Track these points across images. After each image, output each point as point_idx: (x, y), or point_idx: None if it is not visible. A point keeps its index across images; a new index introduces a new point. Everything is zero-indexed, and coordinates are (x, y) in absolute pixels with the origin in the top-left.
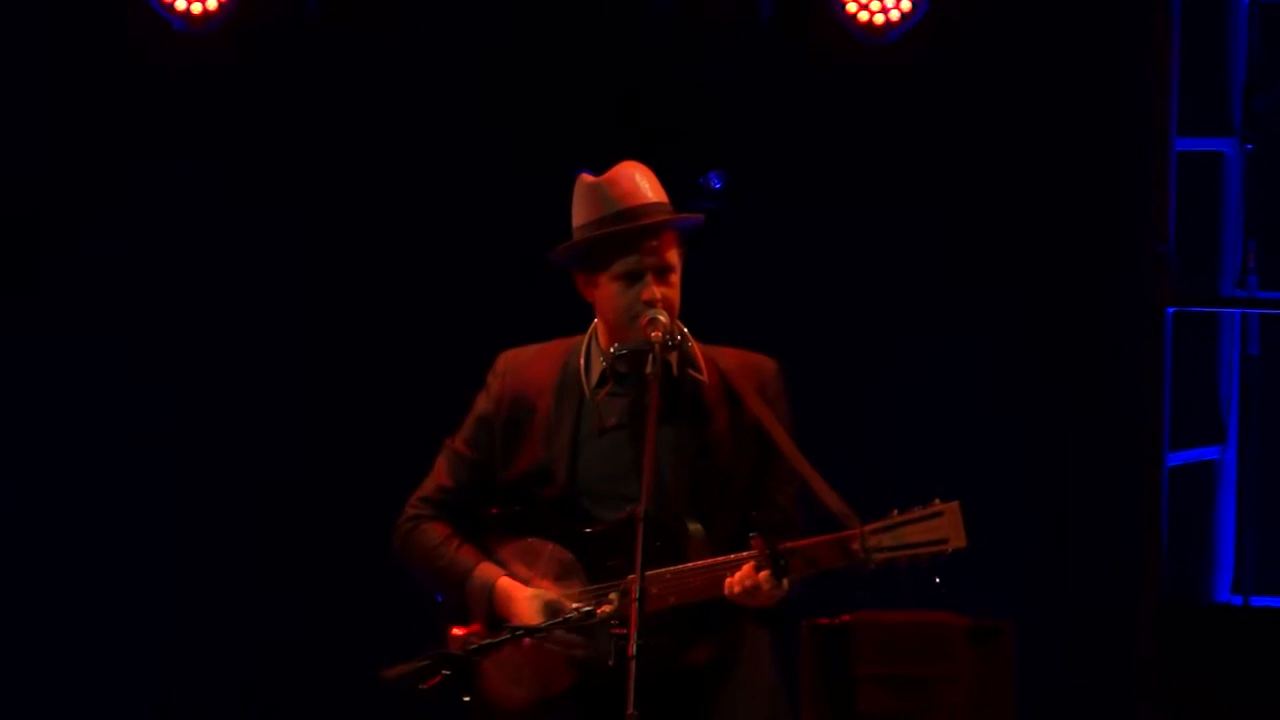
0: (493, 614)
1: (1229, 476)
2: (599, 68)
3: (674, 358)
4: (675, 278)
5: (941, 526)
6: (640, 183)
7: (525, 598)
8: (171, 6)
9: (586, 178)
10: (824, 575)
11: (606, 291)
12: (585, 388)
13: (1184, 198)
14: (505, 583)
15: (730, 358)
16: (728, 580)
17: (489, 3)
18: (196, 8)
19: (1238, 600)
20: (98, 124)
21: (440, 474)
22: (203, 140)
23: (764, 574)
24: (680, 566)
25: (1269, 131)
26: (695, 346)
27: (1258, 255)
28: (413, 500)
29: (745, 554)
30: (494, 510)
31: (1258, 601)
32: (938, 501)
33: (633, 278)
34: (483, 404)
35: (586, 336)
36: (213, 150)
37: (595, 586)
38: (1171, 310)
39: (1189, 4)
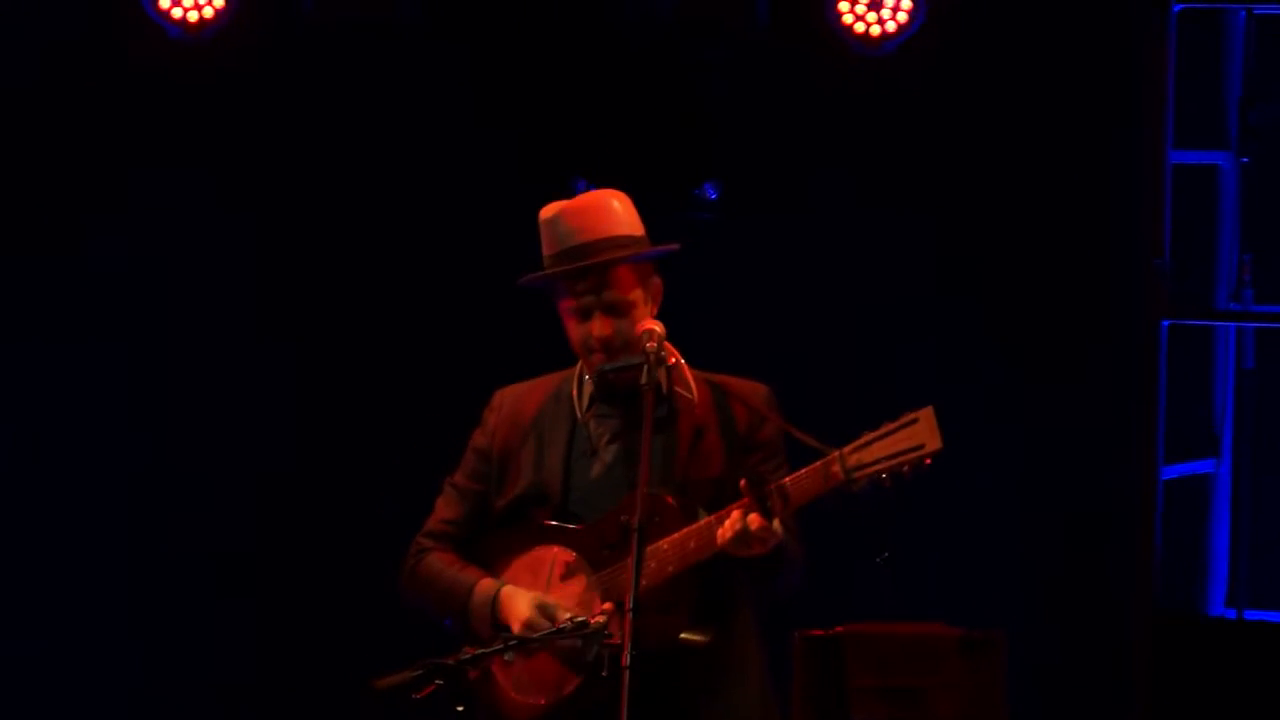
0: (497, 626)
1: (1224, 490)
2: (596, 76)
3: (662, 375)
4: (632, 310)
5: (918, 433)
6: (592, 218)
7: (520, 599)
8: (168, 14)
9: (547, 209)
10: (814, 507)
11: (567, 324)
12: (578, 411)
13: (1180, 211)
14: (508, 590)
15: (723, 380)
16: (719, 531)
17: (486, 10)
18: (193, 15)
19: (1231, 614)
20: (95, 131)
21: (442, 510)
22: (200, 146)
23: (753, 515)
24: (674, 535)
25: (1265, 145)
26: (685, 368)
27: (1253, 268)
28: (417, 538)
29: (733, 504)
30: (488, 544)
31: (1252, 615)
32: (909, 411)
33: (583, 314)
34: (479, 438)
35: (579, 364)
36: (210, 156)
37: (599, 574)
38: (1167, 323)
39: (1185, 17)
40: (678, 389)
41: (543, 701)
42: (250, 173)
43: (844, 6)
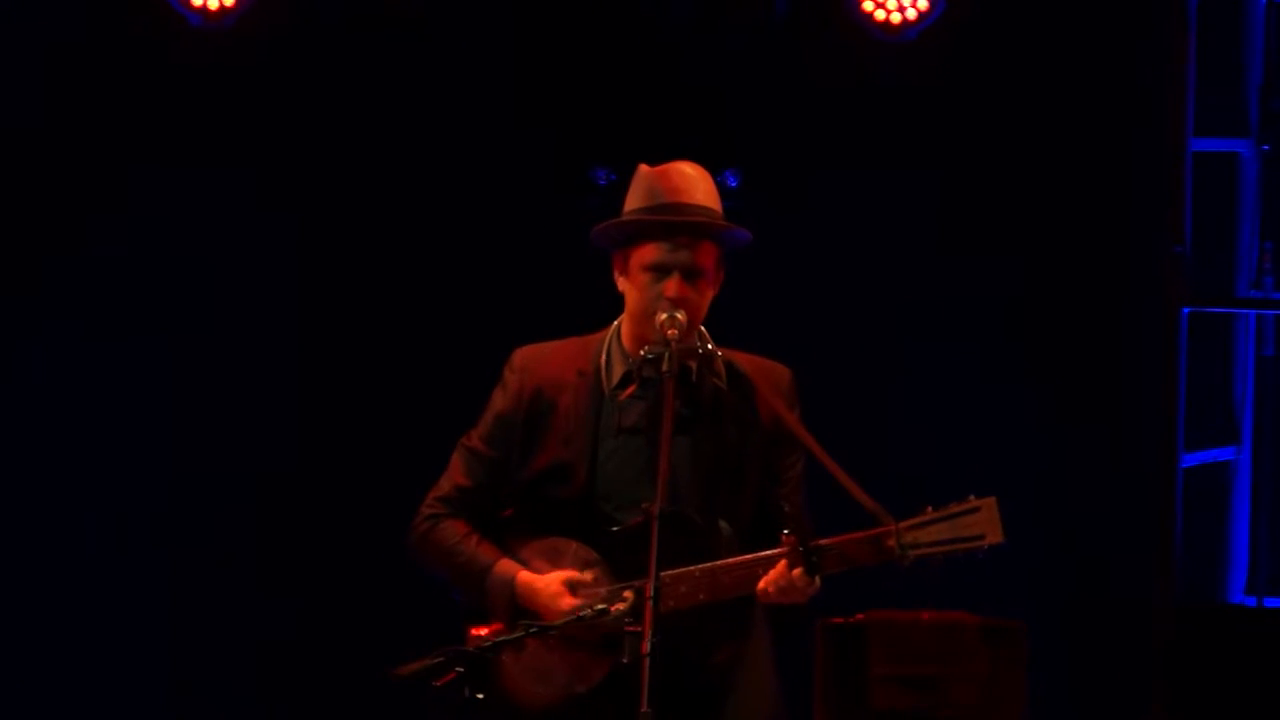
0: (515, 609)
1: (1244, 477)
2: (612, 67)
3: (694, 364)
4: (705, 284)
5: (979, 522)
6: (692, 183)
7: (547, 583)
8: (188, 2)
9: (644, 167)
10: (856, 572)
11: (635, 281)
12: (605, 386)
13: (1200, 199)
14: (526, 576)
15: (748, 363)
16: (762, 578)
17: (506, 3)
18: (214, 2)
19: (1251, 601)
20: (112, 120)
21: (457, 473)
22: (219, 137)
23: (797, 571)
24: (710, 565)
25: None
26: (718, 353)
27: (1274, 256)
28: (429, 500)
29: (777, 551)
30: (506, 513)
31: (1271, 602)
32: (973, 497)
33: (661, 271)
34: (500, 401)
35: (608, 334)
36: (228, 146)
37: (619, 585)
38: (1187, 311)
39: (1206, 4)
40: (711, 379)
41: (556, 693)
42: (266, 164)
43: None
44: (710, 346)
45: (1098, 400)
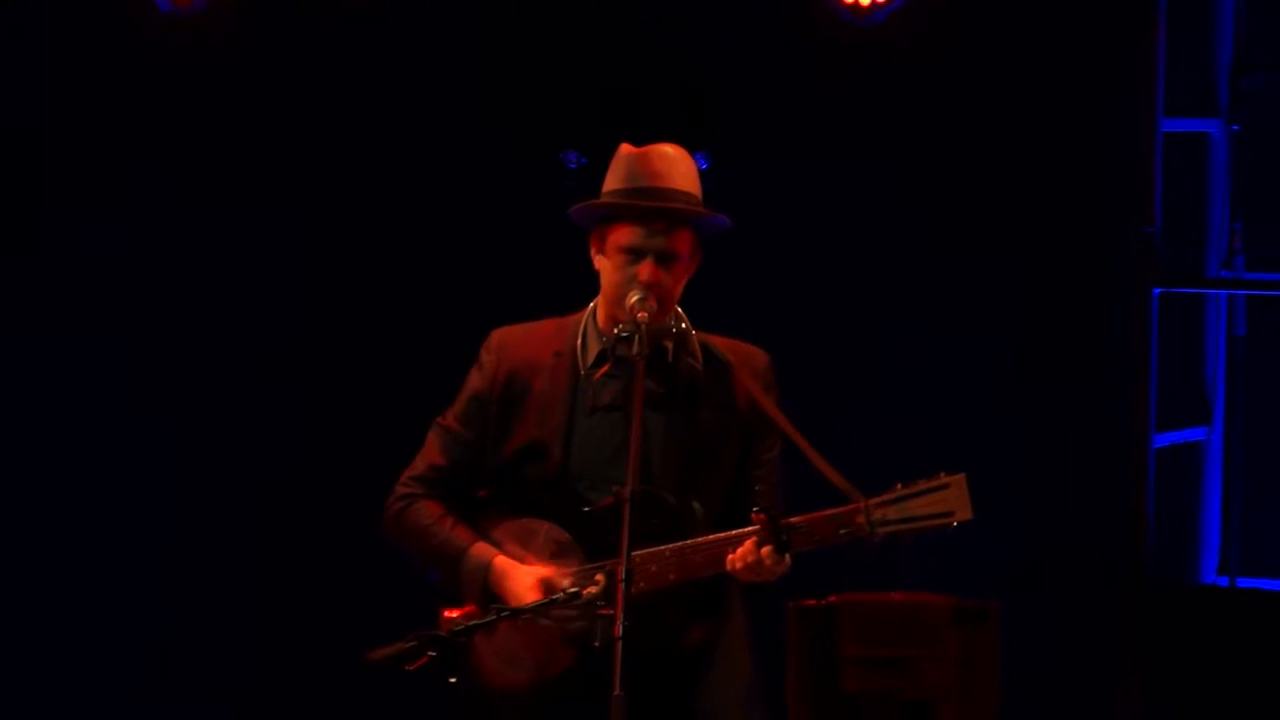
0: (487, 593)
1: (1215, 458)
2: (583, 49)
3: (669, 344)
4: (679, 269)
5: (948, 499)
6: (672, 166)
7: (521, 576)
8: None
9: (625, 148)
10: (828, 549)
11: (610, 262)
12: (581, 366)
13: (1171, 179)
14: (502, 561)
15: (725, 346)
16: (730, 556)
17: None
18: None
19: (1224, 581)
20: (83, 109)
21: (432, 452)
22: (191, 127)
23: (767, 549)
24: (682, 544)
25: (1256, 112)
26: (693, 333)
27: (1244, 236)
28: (403, 479)
29: (748, 529)
30: (481, 493)
31: (1244, 583)
32: (943, 474)
33: (635, 254)
34: (476, 381)
35: (585, 315)
36: (200, 138)
37: (590, 565)
38: (1158, 291)
39: None
40: (687, 359)
41: (526, 677)
42: (243, 156)
43: None
44: (685, 327)
45: (1069, 381)
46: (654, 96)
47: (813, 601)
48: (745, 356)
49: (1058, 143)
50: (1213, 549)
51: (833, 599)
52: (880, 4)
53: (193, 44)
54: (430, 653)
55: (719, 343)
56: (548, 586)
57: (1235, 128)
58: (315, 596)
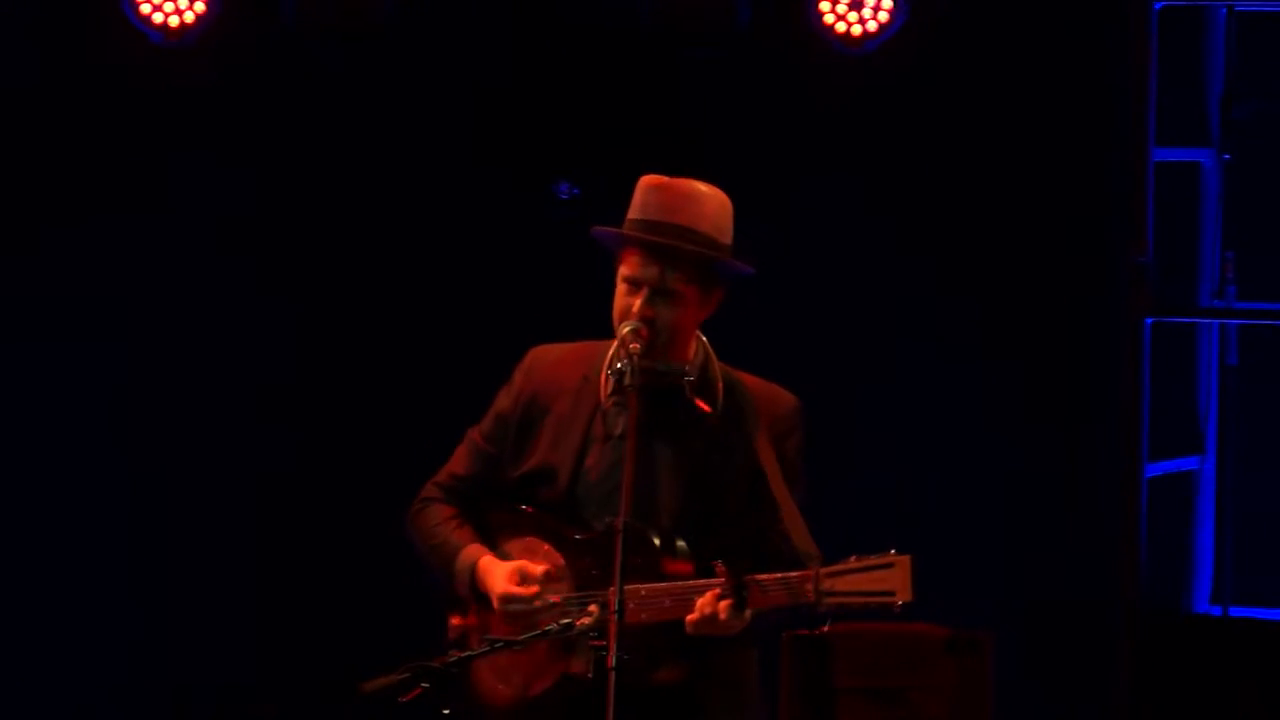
0: (475, 592)
1: (1208, 487)
2: (575, 77)
3: (686, 380)
4: (679, 305)
5: (891, 579)
6: (685, 203)
7: (498, 571)
8: (149, 19)
9: (647, 178)
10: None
11: (616, 289)
12: (601, 393)
13: (1162, 208)
14: (486, 560)
15: (752, 385)
16: (688, 615)
17: (466, 18)
18: (174, 20)
19: (1217, 610)
20: (73, 138)
21: (456, 462)
22: (182, 152)
23: (725, 603)
24: (654, 585)
25: (1247, 142)
26: (716, 368)
27: (1236, 266)
28: (428, 484)
29: (713, 580)
30: (499, 508)
31: (1236, 612)
32: (893, 552)
33: (633, 285)
34: (504, 399)
35: (615, 341)
36: (194, 159)
37: (577, 595)
38: (1150, 321)
39: (1167, 15)
40: (697, 400)
41: (512, 693)
42: (238, 176)
43: (825, 6)
44: (709, 362)
45: (1062, 410)
46: (642, 130)
47: (806, 631)
48: (770, 399)
49: (1050, 172)
50: (1206, 578)
51: (826, 628)
52: (872, 34)
53: (187, 74)
54: (423, 685)
55: (748, 381)
56: (524, 575)
57: (1227, 157)
58: (315, 596)
